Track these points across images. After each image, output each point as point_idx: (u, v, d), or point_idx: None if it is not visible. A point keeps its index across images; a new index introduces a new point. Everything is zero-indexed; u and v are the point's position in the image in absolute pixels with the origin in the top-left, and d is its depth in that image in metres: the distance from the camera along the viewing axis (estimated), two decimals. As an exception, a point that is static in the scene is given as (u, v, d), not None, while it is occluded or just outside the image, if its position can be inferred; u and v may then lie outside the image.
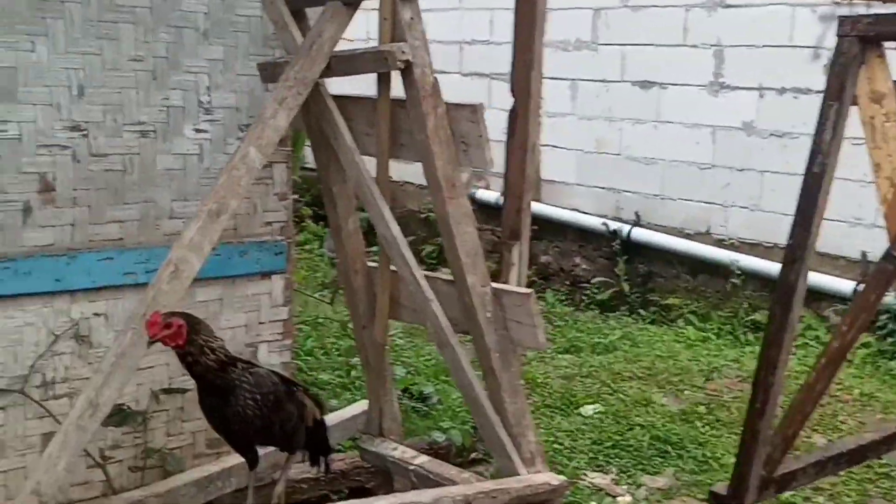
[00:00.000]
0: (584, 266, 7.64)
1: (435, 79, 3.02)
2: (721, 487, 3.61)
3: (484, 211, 7.90)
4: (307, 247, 8.05)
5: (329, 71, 3.09)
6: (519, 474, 3.16)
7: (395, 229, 3.20)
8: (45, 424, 3.19)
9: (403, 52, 2.95)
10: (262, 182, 3.60)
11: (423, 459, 3.49)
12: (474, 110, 3.00)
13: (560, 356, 6.07)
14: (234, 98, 3.49)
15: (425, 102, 2.99)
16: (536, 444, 3.23)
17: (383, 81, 3.13)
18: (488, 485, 3.11)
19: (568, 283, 7.69)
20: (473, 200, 8.15)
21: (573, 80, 7.57)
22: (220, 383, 2.69)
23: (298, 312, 6.28)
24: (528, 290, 3.11)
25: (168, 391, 3.36)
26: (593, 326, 6.70)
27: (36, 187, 3.12)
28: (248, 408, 2.70)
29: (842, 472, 4.32)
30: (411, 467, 3.46)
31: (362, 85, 3.21)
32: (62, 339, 3.21)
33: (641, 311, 7.08)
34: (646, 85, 7.17)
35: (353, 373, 5.25)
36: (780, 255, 3.48)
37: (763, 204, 6.64)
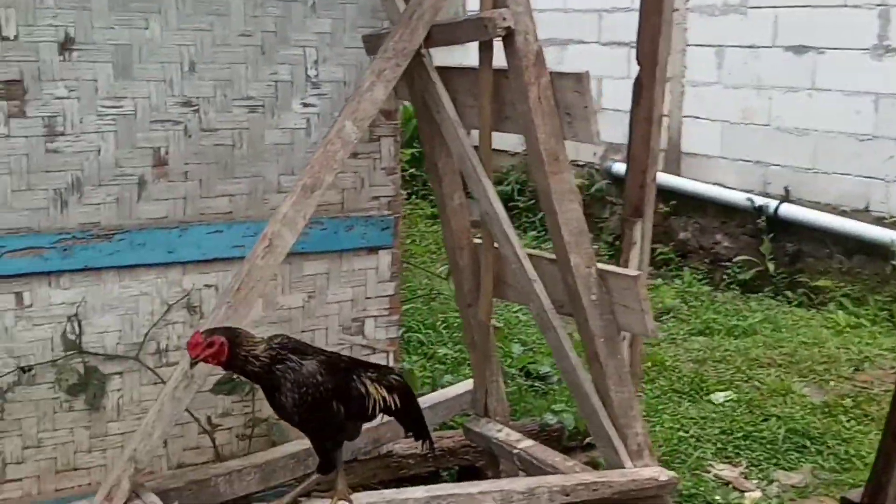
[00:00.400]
0: (725, 244, 7.28)
1: (539, 47, 2.87)
2: (855, 494, 3.32)
3: (620, 185, 7.64)
4: (439, 219, 8.05)
5: (430, 41, 3.00)
6: (624, 467, 3.01)
7: (498, 206, 3.09)
8: (159, 390, 3.26)
9: (504, 19, 2.82)
10: (369, 156, 3.56)
11: (527, 443, 3.38)
12: (580, 79, 2.82)
13: (693, 338, 5.81)
14: (342, 71, 3.46)
15: (528, 72, 2.85)
16: (644, 435, 3.06)
17: (485, 50, 3.01)
18: (589, 476, 2.97)
19: (707, 261, 7.36)
20: (609, 174, 7.90)
21: (719, 46, 7.19)
22: (266, 383, 2.67)
23: (424, 285, 6.30)
24: (636, 273, 2.94)
25: (276, 363, 3.39)
26: (732, 308, 6.37)
27: (150, 161, 3.19)
28: (286, 405, 2.66)
29: None
30: (515, 451, 3.36)
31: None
32: (175, 308, 3.29)
33: (787, 294, 6.68)
34: (800, 50, 6.71)
35: (473, 348, 5.19)
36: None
37: (933, 179, 6.13)
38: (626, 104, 3.82)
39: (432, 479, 3.90)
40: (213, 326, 2.64)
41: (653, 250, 7.62)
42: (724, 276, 7.11)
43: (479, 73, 3.06)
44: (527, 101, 2.86)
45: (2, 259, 2.92)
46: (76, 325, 3.09)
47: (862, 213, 6.49)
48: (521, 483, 2.91)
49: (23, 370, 3.01)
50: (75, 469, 3.16)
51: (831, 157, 6.61)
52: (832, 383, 5.13)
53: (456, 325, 5.62)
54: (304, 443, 3.27)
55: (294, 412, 2.67)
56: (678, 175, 7.49)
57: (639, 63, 3.84)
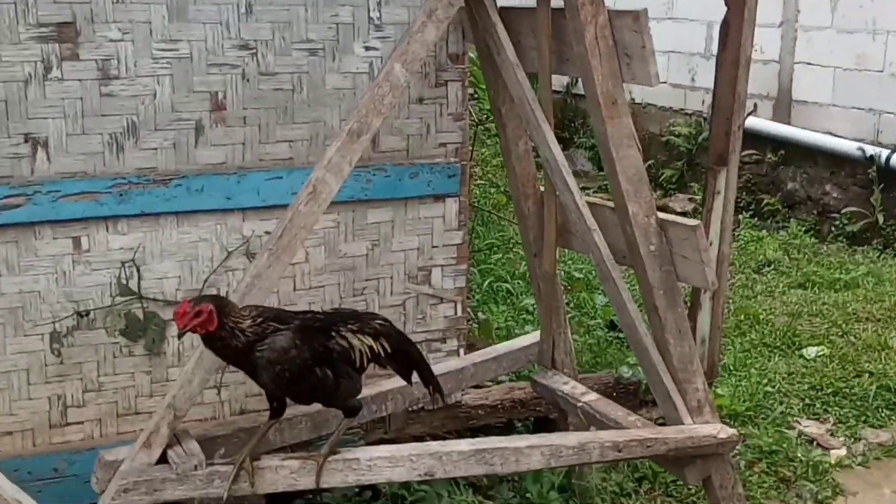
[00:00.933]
0: (834, 195, 6.89)
1: (596, -17, 2.70)
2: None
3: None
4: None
5: (485, -21, 2.87)
6: (683, 423, 2.87)
7: (558, 152, 2.95)
8: (221, 336, 3.30)
9: (559, -46, 2.66)
10: (435, 102, 3.45)
11: (591, 397, 3.28)
12: (637, 18, 2.65)
13: (791, 291, 5.58)
14: (406, 13, 3.33)
15: (584, 10, 2.69)
16: (705, 391, 2.91)
17: (543, -11, 2.86)
18: (643, 432, 2.85)
19: (815, 212, 7.01)
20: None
21: (834, -12, 6.75)
22: (245, 364, 2.57)
23: (516, 234, 6.19)
24: (696, 222, 2.77)
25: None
26: (836, 261, 6.06)
27: (207, 106, 3.15)
28: (268, 384, 2.57)
29: None
30: (578, 404, 3.27)
31: None
32: (234, 255, 3.27)
33: (896, 246, 6.30)
34: (921, -10, 6.22)
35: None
36: None
37: None
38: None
39: (505, 430, 3.85)
40: (202, 295, 2.56)
41: (759, 201, 7.33)
42: (832, 229, 6.78)
43: (537, 13, 2.91)
44: (583, 42, 2.71)
45: (58, 203, 2.95)
46: (134, 270, 3.11)
47: (983, 164, 6.03)
48: (571, 438, 2.82)
49: (80, 315, 3.05)
50: (137, 413, 3.19)
51: (951, 106, 6.16)
52: (933, 340, 4.83)
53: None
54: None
55: (278, 389, 2.60)
56: (788, 123, 7.11)
57: (727, 4, 3.61)
